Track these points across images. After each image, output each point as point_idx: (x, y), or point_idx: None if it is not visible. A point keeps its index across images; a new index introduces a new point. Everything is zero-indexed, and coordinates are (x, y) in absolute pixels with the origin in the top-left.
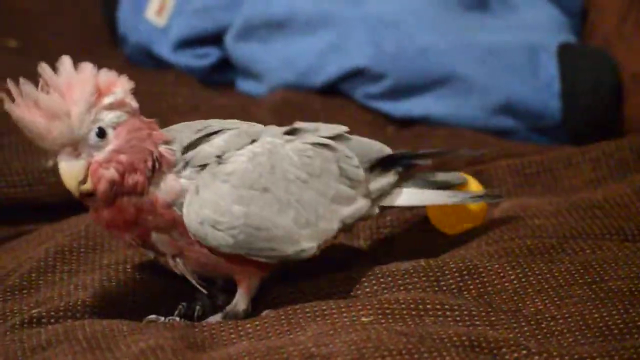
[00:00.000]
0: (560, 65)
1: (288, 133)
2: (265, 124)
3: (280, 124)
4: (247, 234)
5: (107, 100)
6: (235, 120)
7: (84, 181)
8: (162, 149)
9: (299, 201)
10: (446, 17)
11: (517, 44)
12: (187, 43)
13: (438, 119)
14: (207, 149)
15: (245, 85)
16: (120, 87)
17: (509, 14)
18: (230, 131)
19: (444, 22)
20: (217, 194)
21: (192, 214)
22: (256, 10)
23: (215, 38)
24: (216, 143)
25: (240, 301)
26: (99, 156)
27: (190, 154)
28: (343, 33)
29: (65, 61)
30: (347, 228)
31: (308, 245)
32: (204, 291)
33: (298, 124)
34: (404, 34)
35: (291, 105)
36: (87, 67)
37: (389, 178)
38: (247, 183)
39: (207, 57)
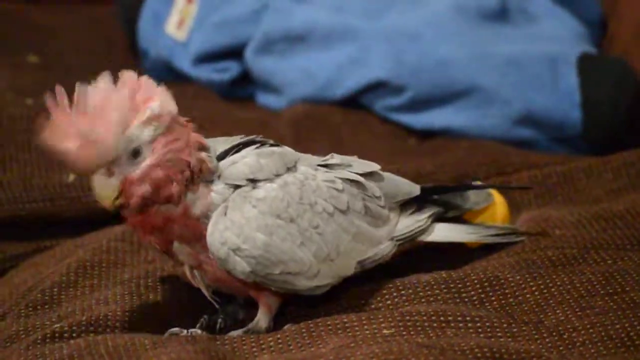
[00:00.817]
0: (580, 75)
1: (323, 165)
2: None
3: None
4: (264, 265)
5: (142, 116)
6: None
7: (117, 197)
8: (202, 155)
9: (322, 235)
10: (466, 29)
11: (537, 55)
12: (207, 57)
13: (459, 131)
14: (240, 168)
15: (265, 99)
16: (157, 99)
17: (529, 25)
18: (264, 150)
19: (464, 34)
20: (244, 218)
21: (216, 234)
22: (276, 24)
23: (235, 52)
24: (250, 162)
25: (261, 319)
26: (133, 173)
27: (223, 167)
28: (363, 46)
29: (102, 79)
30: (364, 269)
31: (323, 282)
32: (217, 305)
33: (333, 157)
34: (424, 46)
35: (311, 119)
36: (124, 84)
37: (420, 222)
38: (274, 211)
39: (227, 71)
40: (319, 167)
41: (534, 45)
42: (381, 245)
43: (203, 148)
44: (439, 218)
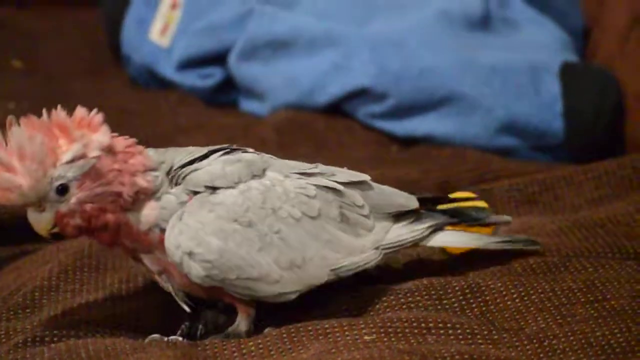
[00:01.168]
0: (562, 84)
1: (301, 172)
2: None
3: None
4: (220, 270)
5: (65, 157)
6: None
7: (53, 227)
8: (139, 178)
9: (284, 240)
10: (449, 37)
11: (519, 63)
12: (191, 63)
13: (442, 138)
14: (201, 175)
15: (248, 105)
16: (80, 137)
17: (512, 34)
18: (231, 157)
19: (447, 42)
20: (199, 222)
21: (172, 238)
22: (259, 30)
23: (218, 58)
24: (212, 170)
25: (241, 323)
26: (63, 208)
27: (185, 173)
28: (346, 53)
29: (16, 130)
30: (342, 279)
31: (287, 289)
32: (188, 310)
33: (317, 166)
34: (407, 54)
35: (294, 125)
36: (45, 126)
37: (416, 232)
38: (231, 216)
39: (210, 77)
40: (293, 174)
41: (516, 54)
42: (362, 254)
43: (146, 169)
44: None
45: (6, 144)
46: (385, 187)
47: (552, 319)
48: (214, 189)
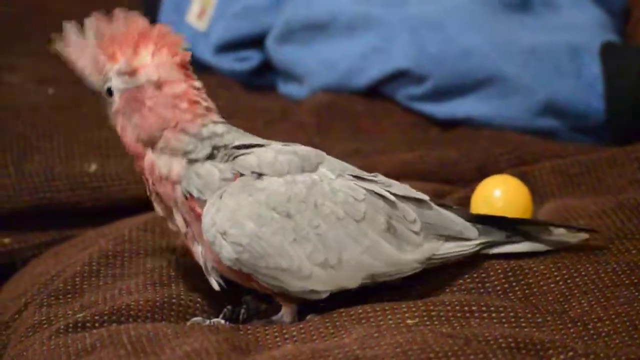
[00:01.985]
0: (603, 64)
1: (357, 177)
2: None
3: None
4: (251, 254)
5: (115, 66)
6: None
7: None
8: (168, 131)
9: (321, 236)
10: (489, 18)
11: (559, 44)
12: (229, 46)
13: (481, 120)
14: (250, 159)
15: (286, 88)
16: (143, 56)
17: (551, 14)
18: (287, 148)
19: (486, 23)
20: (237, 204)
21: (208, 216)
22: (297, 13)
23: (256, 41)
24: (263, 156)
25: (285, 315)
26: (113, 108)
27: (237, 154)
28: (385, 35)
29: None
30: (376, 282)
31: (318, 287)
32: (216, 287)
33: (377, 175)
34: (446, 35)
35: (332, 108)
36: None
37: (464, 248)
38: (271, 203)
39: (248, 60)
40: (347, 175)
41: (556, 35)
42: (403, 266)
43: (182, 129)
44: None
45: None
46: (445, 212)
47: (596, 302)
48: (260, 174)
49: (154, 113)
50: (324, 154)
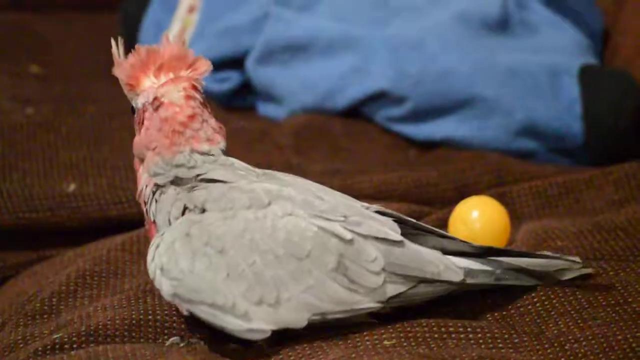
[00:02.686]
0: (581, 87)
1: (318, 215)
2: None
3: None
4: (186, 290)
5: (139, 88)
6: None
7: None
8: (150, 153)
9: (257, 274)
10: (468, 40)
11: (538, 65)
12: None
13: (461, 142)
14: (200, 194)
15: (266, 109)
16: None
17: (531, 36)
18: (245, 187)
19: (466, 44)
20: (174, 239)
21: (150, 251)
22: (277, 34)
23: (236, 62)
24: (213, 192)
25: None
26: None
27: (196, 187)
28: (365, 55)
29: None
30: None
31: (260, 326)
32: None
33: (354, 216)
34: (425, 57)
35: (311, 129)
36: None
37: (435, 288)
38: (205, 239)
39: (227, 80)
40: (301, 212)
41: (535, 56)
42: (356, 305)
43: (170, 162)
44: None
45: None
46: (426, 251)
47: (573, 323)
48: (203, 210)
49: (146, 133)
50: (287, 191)
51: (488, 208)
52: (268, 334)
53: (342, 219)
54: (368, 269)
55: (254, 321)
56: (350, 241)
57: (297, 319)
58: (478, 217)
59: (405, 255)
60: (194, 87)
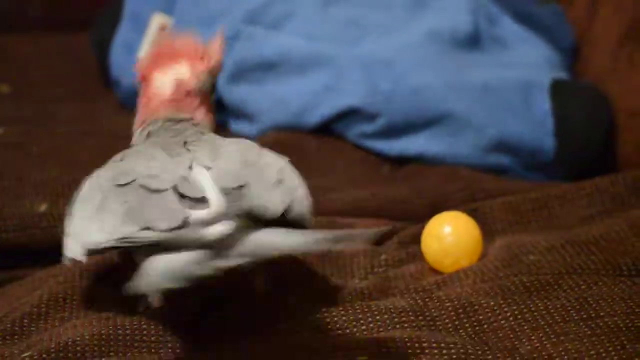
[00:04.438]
0: (552, 102)
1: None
2: None
3: None
4: None
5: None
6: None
7: None
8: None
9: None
10: (439, 56)
11: (510, 81)
12: None
13: (433, 157)
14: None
15: (238, 127)
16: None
17: (502, 52)
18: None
19: (437, 61)
20: None
21: None
22: (248, 52)
23: None
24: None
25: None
26: None
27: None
28: (336, 73)
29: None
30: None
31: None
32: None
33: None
34: (397, 73)
35: (284, 146)
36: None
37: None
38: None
39: None
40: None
41: (506, 72)
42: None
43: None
44: None
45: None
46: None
47: (546, 338)
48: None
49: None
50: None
51: (460, 223)
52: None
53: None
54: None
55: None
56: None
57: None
58: (450, 232)
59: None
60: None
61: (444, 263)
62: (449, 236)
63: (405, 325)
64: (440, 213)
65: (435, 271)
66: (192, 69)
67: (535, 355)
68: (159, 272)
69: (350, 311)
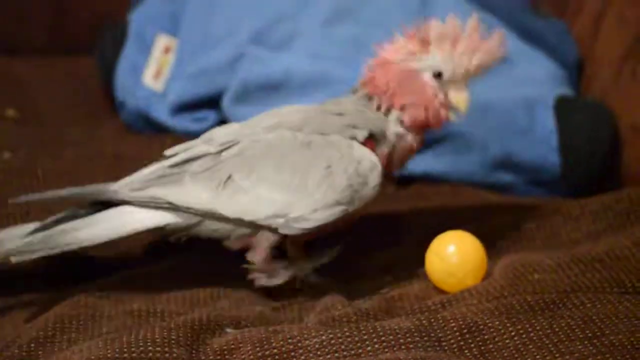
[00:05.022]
0: (557, 118)
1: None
2: None
3: None
4: None
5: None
6: None
7: None
8: None
9: None
10: None
11: (514, 98)
12: (185, 107)
13: (438, 176)
14: None
15: None
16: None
17: (506, 69)
18: None
19: None
20: None
21: None
22: (252, 73)
23: (212, 101)
24: None
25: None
26: None
27: None
28: (340, 93)
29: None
30: None
31: None
32: None
33: None
34: None
35: None
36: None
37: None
38: None
39: (204, 120)
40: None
41: (511, 89)
42: None
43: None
44: None
45: None
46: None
47: (551, 357)
48: None
49: None
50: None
51: (464, 242)
52: None
53: None
54: None
55: None
56: None
57: None
58: (455, 251)
59: None
60: None
61: (448, 283)
62: (454, 256)
63: (411, 345)
64: (445, 232)
65: (440, 291)
66: None
67: None
68: None
69: (356, 332)
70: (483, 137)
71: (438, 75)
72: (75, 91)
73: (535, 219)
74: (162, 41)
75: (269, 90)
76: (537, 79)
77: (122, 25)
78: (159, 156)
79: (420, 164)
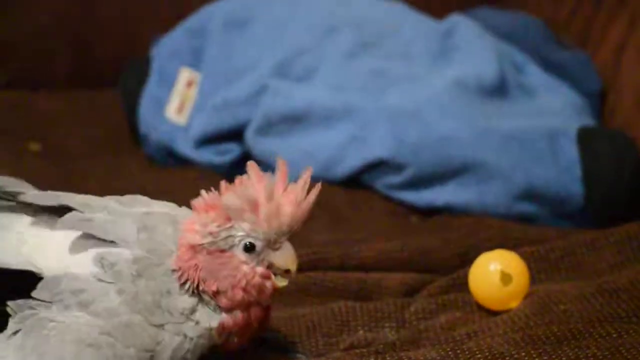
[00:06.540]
0: (580, 149)
1: None
2: None
3: None
4: None
5: None
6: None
7: None
8: None
9: None
10: (466, 105)
11: (537, 129)
12: (208, 140)
13: (461, 207)
14: None
15: None
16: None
17: (528, 100)
18: None
19: (463, 110)
20: None
21: None
22: (275, 106)
23: (235, 134)
24: None
25: None
26: None
27: None
28: (363, 125)
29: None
30: None
31: None
32: None
33: None
34: (424, 124)
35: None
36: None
37: None
38: None
39: (228, 153)
40: None
41: (533, 120)
42: None
43: None
44: None
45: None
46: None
47: None
48: None
49: None
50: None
51: (517, 264)
52: None
53: None
54: None
55: None
56: None
57: None
58: (514, 271)
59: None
60: None
61: (497, 299)
62: (510, 276)
63: None
64: (494, 250)
65: (466, 322)
66: None
67: None
68: None
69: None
70: (506, 167)
71: (251, 248)
72: (98, 125)
73: (560, 249)
74: (185, 75)
75: (291, 122)
76: (560, 110)
77: (146, 59)
78: (183, 189)
79: (442, 195)
